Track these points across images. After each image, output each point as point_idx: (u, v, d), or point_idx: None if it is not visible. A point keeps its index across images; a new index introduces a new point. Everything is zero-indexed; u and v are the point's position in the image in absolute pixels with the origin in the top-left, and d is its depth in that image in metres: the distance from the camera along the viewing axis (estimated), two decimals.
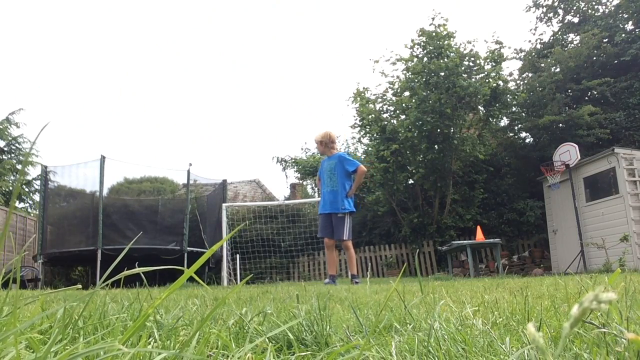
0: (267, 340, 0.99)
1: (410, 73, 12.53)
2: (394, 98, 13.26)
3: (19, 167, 18.10)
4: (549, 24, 16.27)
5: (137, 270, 0.74)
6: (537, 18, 16.32)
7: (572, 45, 14.94)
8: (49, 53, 46.63)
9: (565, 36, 15.78)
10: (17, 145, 18.42)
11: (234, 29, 56.29)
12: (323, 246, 7.02)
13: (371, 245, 13.91)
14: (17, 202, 17.73)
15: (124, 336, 0.68)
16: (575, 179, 10.50)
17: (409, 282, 4.72)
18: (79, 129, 49.96)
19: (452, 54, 12.08)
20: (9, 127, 18.16)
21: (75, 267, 14.59)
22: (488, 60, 12.70)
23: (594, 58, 13.56)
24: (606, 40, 13.74)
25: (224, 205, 11.31)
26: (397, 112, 13.23)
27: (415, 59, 12.57)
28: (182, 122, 54.29)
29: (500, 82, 12.51)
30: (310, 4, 56.12)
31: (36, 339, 0.91)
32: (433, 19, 12.44)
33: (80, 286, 1.05)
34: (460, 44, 12.61)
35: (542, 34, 18.84)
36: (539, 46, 15.97)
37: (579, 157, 10.20)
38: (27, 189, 18.23)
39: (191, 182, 13.34)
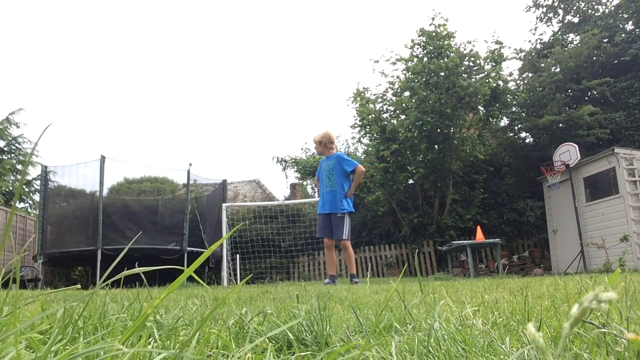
0: (267, 340, 0.99)
1: (410, 73, 12.53)
2: (394, 98, 13.27)
3: (19, 167, 18.11)
4: (549, 24, 16.28)
5: (137, 270, 0.74)
6: (537, 18, 16.34)
7: (572, 45, 14.94)
8: (49, 53, 46.66)
9: (565, 36, 15.78)
10: (17, 145, 18.44)
11: (234, 29, 56.33)
12: (323, 246, 7.02)
13: (371, 245, 13.91)
14: (18, 202, 17.73)
15: (124, 336, 0.68)
16: (575, 179, 10.50)
17: (409, 282, 4.71)
18: (79, 129, 49.97)
19: (452, 54, 12.08)
20: (9, 127, 18.17)
21: (75, 267, 14.59)
22: (488, 60, 12.70)
23: (594, 58, 13.55)
24: (606, 40, 13.73)
25: (224, 205, 11.31)
26: (397, 112, 13.23)
27: (415, 59, 12.58)
28: (182, 122, 54.31)
29: (500, 82, 12.52)
30: (310, 4, 56.15)
31: (36, 339, 0.91)
32: (433, 19, 12.45)
33: (80, 286, 1.05)
34: (460, 44, 12.63)
35: (542, 34, 18.88)
36: (539, 46, 15.97)
37: (579, 157, 10.20)
38: (27, 189, 18.23)
39: (191, 182, 13.34)
